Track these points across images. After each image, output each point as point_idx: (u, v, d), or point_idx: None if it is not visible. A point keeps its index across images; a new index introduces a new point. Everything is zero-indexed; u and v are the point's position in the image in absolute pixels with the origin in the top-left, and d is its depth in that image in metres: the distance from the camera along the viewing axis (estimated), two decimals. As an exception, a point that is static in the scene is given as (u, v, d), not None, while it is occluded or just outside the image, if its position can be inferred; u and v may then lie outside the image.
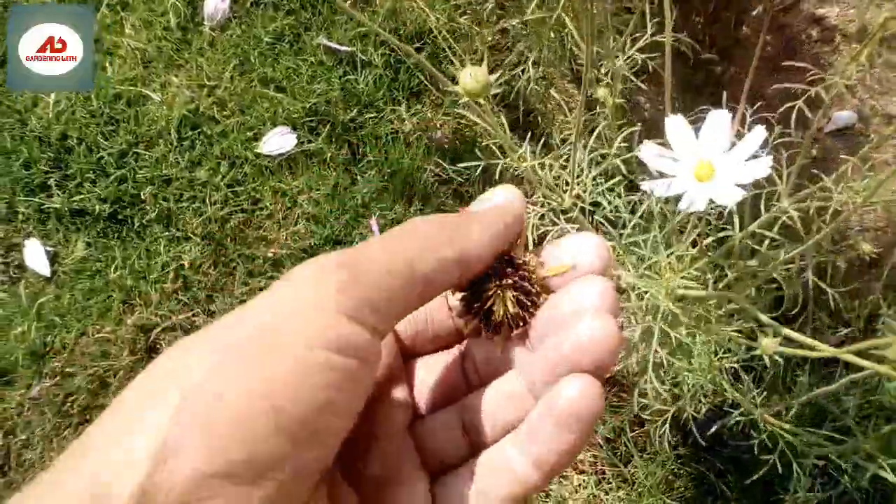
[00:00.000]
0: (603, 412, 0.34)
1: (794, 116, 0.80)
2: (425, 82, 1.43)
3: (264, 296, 0.29)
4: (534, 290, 0.34)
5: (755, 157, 0.61)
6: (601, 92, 1.02)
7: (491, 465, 0.33)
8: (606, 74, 1.06)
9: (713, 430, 1.07)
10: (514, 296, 0.34)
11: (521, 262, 0.35)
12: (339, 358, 0.28)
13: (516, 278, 0.34)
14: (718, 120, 0.64)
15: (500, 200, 0.35)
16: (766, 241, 0.83)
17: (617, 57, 1.00)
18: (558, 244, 0.35)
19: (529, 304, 0.34)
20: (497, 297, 0.34)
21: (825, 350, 0.61)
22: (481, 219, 0.34)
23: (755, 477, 0.96)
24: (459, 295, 0.36)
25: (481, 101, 0.57)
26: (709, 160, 0.62)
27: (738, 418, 0.95)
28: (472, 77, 0.55)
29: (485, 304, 0.34)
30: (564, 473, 1.30)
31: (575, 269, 0.34)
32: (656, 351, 0.82)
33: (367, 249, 0.30)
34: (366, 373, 0.29)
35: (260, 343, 0.27)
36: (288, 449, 0.26)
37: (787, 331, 0.70)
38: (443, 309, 0.37)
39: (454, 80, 0.56)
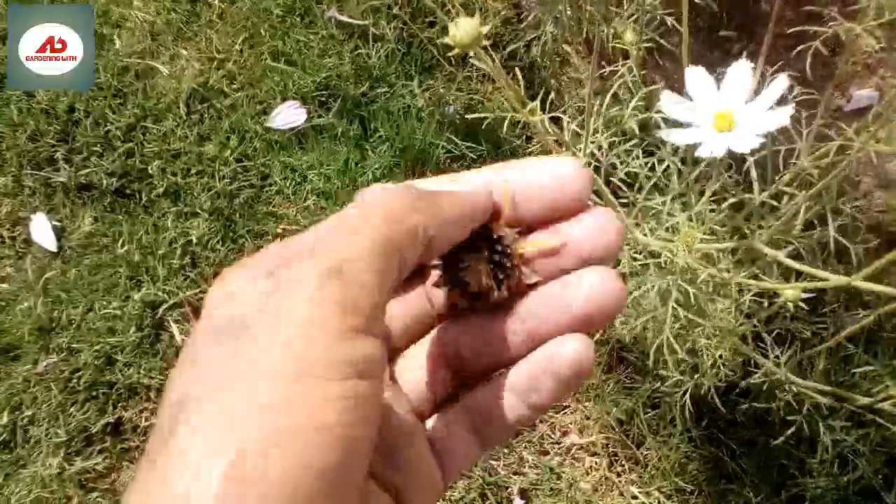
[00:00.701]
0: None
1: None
2: (438, 57, 1.40)
3: (263, 320, 0.27)
4: (509, 265, 0.34)
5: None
6: (629, 36, 0.98)
7: (489, 410, 0.34)
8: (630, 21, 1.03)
9: (735, 391, 1.05)
10: (489, 269, 0.34)
11: (498, 236, 0.34)
12: (364, 383, 0.26)
13: (491, 252, 0.34)
14: (740, 72, 0.64)
15: (477, 182, 0.34)
16: (786, 198, 0.82)
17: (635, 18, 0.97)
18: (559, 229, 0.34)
19: (503, 277, 0.34)
20: (471, 269, 0.34)
21: (837, 280, 0.61)
22: (452, 195, 0.32)
23: (778, 440, 0.94)
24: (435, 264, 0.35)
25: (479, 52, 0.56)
26: (729, 111, 0.62)
27: (761, 379, 0.93)
28: (462, 28, 0.54)
29: (460, 275, 0.34)
30: (576, 455, 1.28)
31: (562, 250, 0.33)
32: (674, 315, 0.80)
33: (343, 240, 0.28)
34: (381, 384, 0.28)
35: (285, 399, 0.25)
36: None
37: (804, 267, 0.68)
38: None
39: (446, 31, 0.55)
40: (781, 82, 0.61)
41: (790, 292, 0.75)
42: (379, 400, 0.28)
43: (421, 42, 1.39)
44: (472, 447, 0.34)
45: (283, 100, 1.36)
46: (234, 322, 0.27)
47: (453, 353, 0.34)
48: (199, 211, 1.33)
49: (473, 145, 1.33)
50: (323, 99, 1.37)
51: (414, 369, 0.35)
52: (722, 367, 0.93)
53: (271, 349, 0.25)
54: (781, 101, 0.60)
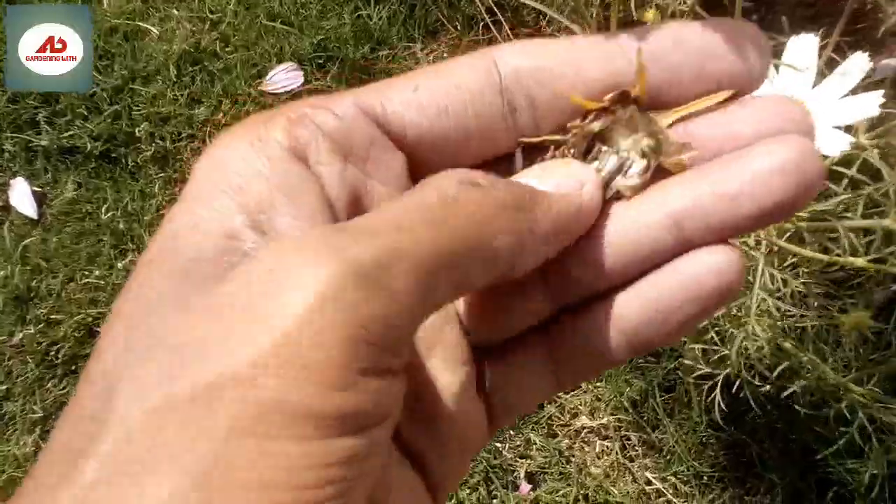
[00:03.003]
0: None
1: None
2: (442, 20, 1.33)
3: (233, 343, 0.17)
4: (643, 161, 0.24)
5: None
6: (650, 15, 0.91)
7: (580, 343, 0.24)
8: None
9: (782, 397, 0.94)
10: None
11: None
12: (355, 442, 0.17)
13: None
14: (804, 47, 0.53)
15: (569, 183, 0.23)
16: (845, 181, 0.72)
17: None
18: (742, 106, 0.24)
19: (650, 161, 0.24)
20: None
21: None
22: (552, 203, 0.22)
23: (831, 450, 0.86)
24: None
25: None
26: (795, 98, 0.52)
27: (806, 382, 0.84)
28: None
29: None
30: (586, 438, 1.21)
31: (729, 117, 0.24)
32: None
33: (393, 243, 0.18)
34: (389, 430, 0.19)
35: (218, 459, 0.16)
36: None
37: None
38: None
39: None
40: (859, 61, 0.52)
41: (854, 320, 0.66)
42: (383, 451, 0.18)
43: (425, 4, 1.33)
44: (544, 386, 0.25)
45: (279, 62, 1.29)
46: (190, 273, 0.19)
47: (557, 266, 0.24)
48: (188, 177, 1.25)
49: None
50: (321, 62, 1.30)
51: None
52: (758, 362, 0.84)
53: (220, 367, 0.16)
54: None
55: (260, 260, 0.18)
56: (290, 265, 0.17)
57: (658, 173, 0.24)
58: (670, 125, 0.24)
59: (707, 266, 0.22)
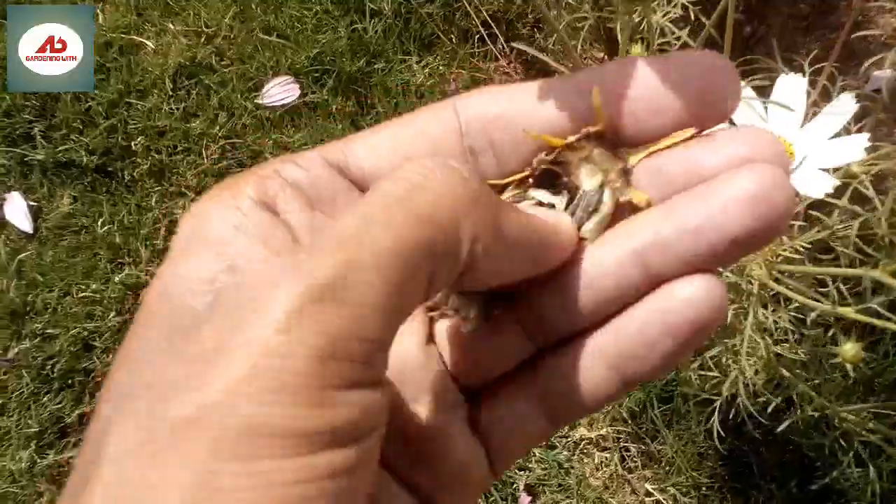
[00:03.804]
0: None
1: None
2: (438, 33, 1.34)
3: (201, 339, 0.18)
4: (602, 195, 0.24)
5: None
6: (636, 49, 0.91)
7: (568, 383, 0.24)
8: (641, 30, 0.96)
9: (779, 429, 0.93)
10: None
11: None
12: (342, 453, 0.17)
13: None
14: (791, 87, 0.53)
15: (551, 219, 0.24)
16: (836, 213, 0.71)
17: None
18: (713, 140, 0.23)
19: (592, 212, 0.24)
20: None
21: None
22: (526, 216, 0.23)
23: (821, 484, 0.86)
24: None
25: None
26: (782, 138, 0.51)
27: (809, 413, 0.83)
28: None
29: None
30: (585, 450, 1.21)
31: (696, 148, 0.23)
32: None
33: (350, 239, 0.18)
34: (377, 441, 0.19)
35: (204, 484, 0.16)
36: None
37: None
38: None
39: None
40: (847, 103, 0.52)
41: (850, 352, 0.65)
42: (372, 463, 0.19)
43: (420, 17, 1.33)
44: (537, 428, 0.25)
45: (275, 75, 1.29)
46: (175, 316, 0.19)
47: (529, 310, 0.25)
48: (184, 190, 1.25)
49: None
50: (317, 75, 1.30)
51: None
52: (754, 386, 0.83)
53: (197, 394, 0.17)
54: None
55: (227, 294, 0.19)
56: (254, 294, 0.18)
57: (626, 210, 0.24)
58: (637, 162, 0.24)
59: (679, 297, 0.22)
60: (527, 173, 0.25)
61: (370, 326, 0.18)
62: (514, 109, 0.24)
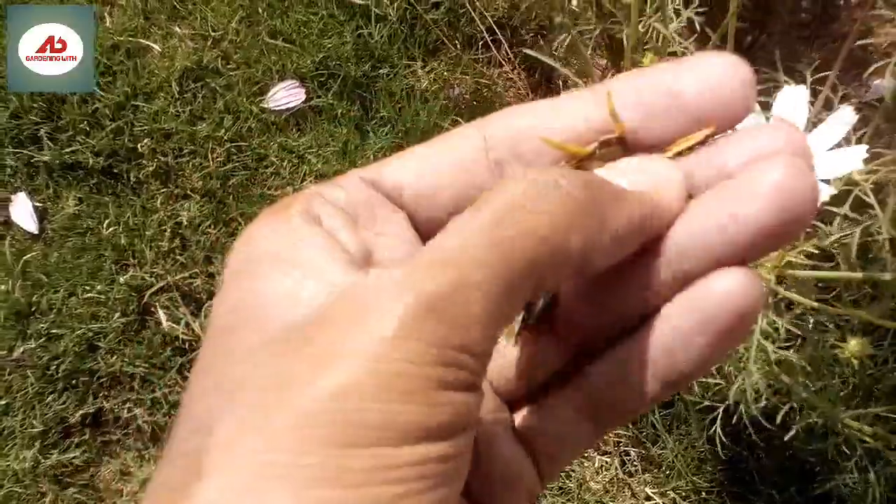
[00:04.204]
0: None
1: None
2: (442, 38, 1.35)
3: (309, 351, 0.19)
4: None
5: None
6: (647, 59, 0.91)
7: (611, 390, 0.25)
8: (646, 40, 0.97)
9: (787, 437, 0.93)
10: None
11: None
12: (442, 444, 0.19)
13: None
14: (793, 99, 0.54)
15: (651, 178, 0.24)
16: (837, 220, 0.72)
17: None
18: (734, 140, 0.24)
19: None
20: None
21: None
22: (625, 200, 0.22)
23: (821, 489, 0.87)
24: None
25: None
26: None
27: (813, 419, 0.83)
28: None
29: None
30: (585, 454, 1.21)
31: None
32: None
33: (456, 258, 0.19)
34: (472, 435, 0.21)
35: (325, 467, 0.18)
36: None
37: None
38: None
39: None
40: (846, 115, 0.52)
41: (855, 347, 0.66)
42: (468, 454, 0.20)
43: (425, 23, 1.34)
44: (584, 435, 0.25)
45: (281, 79, 1.30)
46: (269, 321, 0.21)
47: (565, 317, 0.25)
48: (190, 193, 1.26)
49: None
50: (322, 79, 1.31)
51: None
52: (759, 394, 0.84)
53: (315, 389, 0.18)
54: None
55: (335, 304, 0.20)
56: (368, 304, 0.19)
57: None
58: None
59: (717, 291, 0.22)
60: None
61: (474, 338, 0.19)
62: (537, 121, 0.25)
